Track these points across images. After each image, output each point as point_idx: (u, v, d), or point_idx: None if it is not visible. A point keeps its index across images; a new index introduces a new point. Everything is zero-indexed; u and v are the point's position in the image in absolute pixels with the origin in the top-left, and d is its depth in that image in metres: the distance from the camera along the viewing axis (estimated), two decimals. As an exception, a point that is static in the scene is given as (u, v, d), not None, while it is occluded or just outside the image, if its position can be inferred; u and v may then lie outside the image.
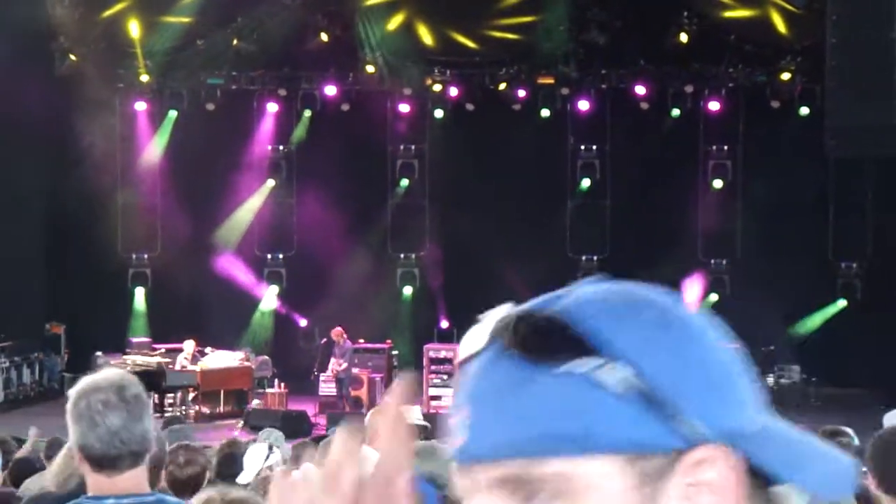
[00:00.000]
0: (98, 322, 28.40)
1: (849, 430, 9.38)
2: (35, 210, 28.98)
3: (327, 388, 25.46)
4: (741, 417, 1.20)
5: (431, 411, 24.15)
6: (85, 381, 3.90)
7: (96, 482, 3.77)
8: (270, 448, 8.41)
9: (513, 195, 29.13)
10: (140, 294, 30.76)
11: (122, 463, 3.73)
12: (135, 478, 3.79)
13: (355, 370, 25.52)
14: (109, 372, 3.97)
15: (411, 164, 30.99)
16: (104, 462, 3.74)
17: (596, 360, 1.16)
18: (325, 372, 25.53)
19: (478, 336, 1.29)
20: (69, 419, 3.85)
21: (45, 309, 28.82)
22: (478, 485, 1.15)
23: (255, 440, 10.51)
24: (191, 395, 24.88)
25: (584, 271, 30.45)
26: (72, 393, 3.85)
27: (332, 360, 25.45)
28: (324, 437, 13.79)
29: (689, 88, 29.23)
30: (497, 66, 29.59)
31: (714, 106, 29.52)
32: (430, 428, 14.71)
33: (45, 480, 6.08)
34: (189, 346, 25.42)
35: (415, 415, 12.50)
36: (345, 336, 25.28)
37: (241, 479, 8.01)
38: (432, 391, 25.42)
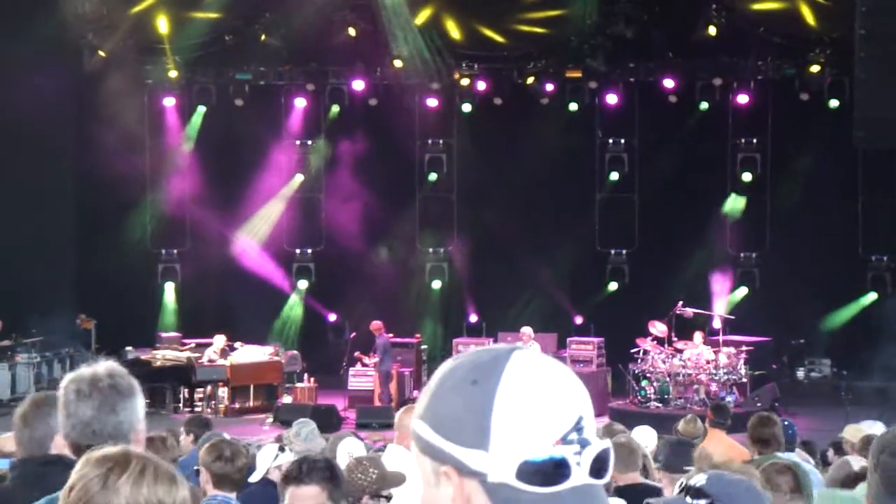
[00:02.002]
0: (128, 317, 28.50)
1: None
2: (65, 206, 29.11)
3: (357, 382, 25.49)
4: None
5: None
6: (73, 372, 3.92)
7: None
8: (282, 449, 8.48)
9: (541, 189, 29.10)
10: (170, 289, 30.84)
11: None
12: None
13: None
14: (99, 364, 3.98)
15: (439, 158, 30.98)
16: (78, 452, 3.67)
17: None
18: (354, 366, 25.57)
19: None
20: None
21: (75, 304, 28.91)
22: None
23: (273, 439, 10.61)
24: (221, 390, 24.95)
25: (612, 265, 30.45)
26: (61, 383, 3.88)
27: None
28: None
29: (717, 81, 29.11)
30: (525, 59, 29.55)
31: (743, 99, 29.39)
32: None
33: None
34: (219, 340, 25.47)
35: None
36: (383, 330, 25.28)
37: (252, 479, 8.08)
38: (461, 385, 25.38)
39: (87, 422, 3.80)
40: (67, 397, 3.85)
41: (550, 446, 1.79)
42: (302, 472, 5.42)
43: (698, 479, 2.92)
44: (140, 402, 3.98)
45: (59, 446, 4.20)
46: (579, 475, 1.81)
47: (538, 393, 1.82)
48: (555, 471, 1.79)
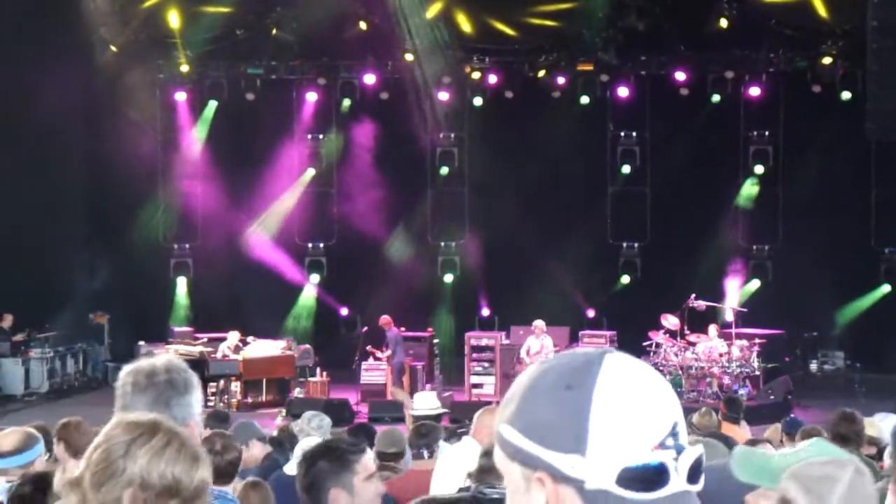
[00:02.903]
0: (141, 312, 28.57)
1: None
2: (77, 201, 29.16)
3: (369, 376, 25.49)
4: None
5: (473, 399, 24.23)
6: (130, 364, 3.91)
7: None
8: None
9: (552, 182, 29.09)
10: (182, 284, 30.89)
11: None
12: None
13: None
14: (158, 357, 3.98)
15: (451, 152, 30.97)
16: None
17: None
18: (366, 360, 25.57)
19: None
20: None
21: (88, 299, 28.98)
22: None
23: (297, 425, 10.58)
24: (234, 385, 24.96)
25: (624, 258, 30.43)
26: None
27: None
28: (363, 424, 13.86)
29: (729, 74, 29.08)
30: (536, 53, 29.53)
31: (755, 91, 29.34)
32: (448, 414, 14.75)
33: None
34: (233, 336, 25.45)
35: (430, 401, 12.56)
36: (392, 324, 25.28)
37: (287, 469, 8.02)
38: (473, 379, 25.44)
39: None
40: (124, 389, 3.84)
41: (650, 452, 1.79)
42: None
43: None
44: (196, 398, 3.97)
45: None
46: (677, 481, 1.80)
47: (635, 397, 1.81)
48: (655, 477, 1.78)
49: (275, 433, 11.03)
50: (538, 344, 24.49)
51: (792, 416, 11.16)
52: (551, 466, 1.80)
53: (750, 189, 29.81)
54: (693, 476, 1.82)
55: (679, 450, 1.81)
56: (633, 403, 1.80)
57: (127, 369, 3.89)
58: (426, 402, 12.22)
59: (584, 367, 1.84)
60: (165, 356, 4.01)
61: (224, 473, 6.76)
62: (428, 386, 24.75)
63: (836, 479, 3.17)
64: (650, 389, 1.84)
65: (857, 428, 8.71)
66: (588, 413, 1.79)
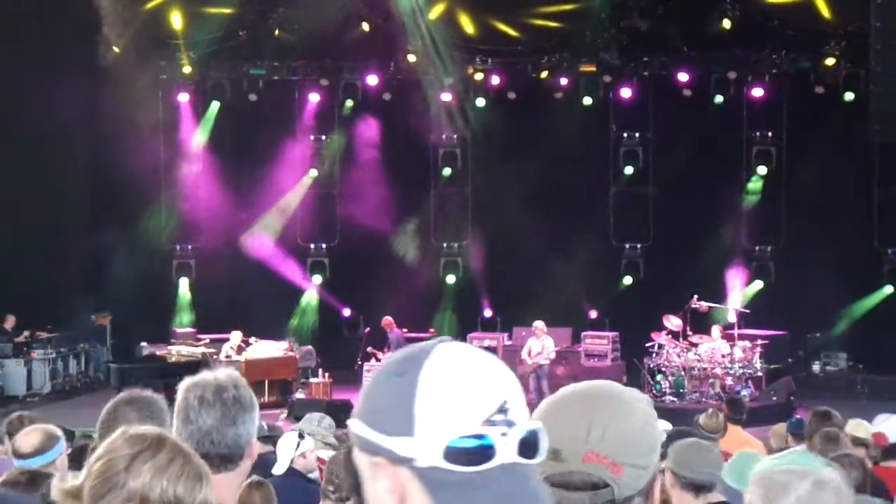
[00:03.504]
0: (143, 313, 28.56)
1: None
2: (80, 202, 29.16)
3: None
4: None
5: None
6: (194, 377, 3.85)
7: None
8: (301, 436, 8.33)
9: (555, 183, 29.06)
10: (184, 284, 30.90)
11: (209, 465, 3.41)
12: (221, 483, 3.62)
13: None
14: (221, 371, 3.92)
15: (453, 152, 30.97)
16: None
17: None
18: (368, 361, 25.57)
19: None
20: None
21: (90, 300, 28.98)
22: None
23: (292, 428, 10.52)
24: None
25: (627, 259, 30.42)
26: (180, 386, 3.83)
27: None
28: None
29: (732, 75, 29.07)
30: (539, 54, 29.53)
31: (757, 92, 29.33)
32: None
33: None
34: (236, 336, 25.50)
35: None
36: (394, 325, 25.28)
37: (275, 471, 7.98)
38: (476, 380, 25.39)
39: (208, 431, 3.75)
40: (188, 403, 3.79)
41: (475, 427, 1.84)
42: None
43: None
44: (256, 415, 3.94)
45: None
46: (507, 454, 1.85)
47: (460, 378, 1.88)
48: (480, 451, 1.83)
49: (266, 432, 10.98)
50: (539, 345, 24.51)
51: (798, 416, 11.13)
52: (387, 450, 1.88)
53: (755, 183, 29.80)
54: (526, 450, 1.87)
55: (510, 425, 1.85)
56: (457, 384, 1.87)
57: (190, 382, 3.82)
58: None
59: (415, 355, 1.93)
60: (226, 370, 3.97)
61: None
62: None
63: (792, 487, 3.22)
64: (476, 371, 1.90)
65: (831, 425, 8.73)
66: (414, 396, 1.87)
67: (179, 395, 3.81)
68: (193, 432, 3.72)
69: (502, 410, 1.86)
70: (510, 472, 1.86)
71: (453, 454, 1.83)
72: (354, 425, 1.95)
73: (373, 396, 1.95)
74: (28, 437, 6.51)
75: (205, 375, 3.84)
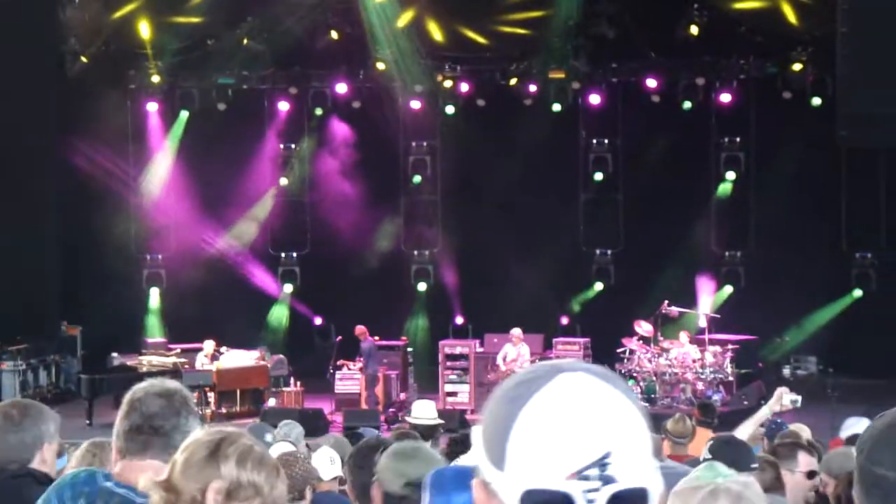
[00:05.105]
0: (114, 323, 28.43)
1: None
2: (49, 212, 28.99)
3: (343, 385, 25.48)
4: None
5: (447, 407, 24.23)
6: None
7: None
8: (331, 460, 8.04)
9: (525, 190, 29.10)
10: (155, 294, 30.81)
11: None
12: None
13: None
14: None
15: (423, 160, 30.97)
16: None
17: None
18: (340, 370, 25.55)
19: None
20: None
21: (60, 311, 28.85)
22: None
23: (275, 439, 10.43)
24: (209, 395, 24.91)
25: (597, 265, 30.48)
26: None
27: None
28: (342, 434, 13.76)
29: (700, 81, 29.15)
30: (507, 61, 29.57)
31: (725, 98, 29.42)
32: (445, 424, 14.67)
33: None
34: (209, 345, 25.46)
35: (429, 411, 12.45)
36: (367, 334, 25.27)
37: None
38: (448, 387, 25.46)
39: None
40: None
41: (561, 479, 1.72)
42: None
43: None
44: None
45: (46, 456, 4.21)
46: None
47: (562, 420, 1.74)
48: None
49: None
50: (515, 352, 24.55)
51: (779, 420, 11.16)
52: (482, 474, 1.80)
53: (725, 188, 29.92)
54: None
55: (606, 481, 1.72)
56: (556, 427, 1.74)
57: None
58: (425, 412, 12.06)
59: (531, 381, 1.80)
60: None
61: None
62: (402, 395, 24.77)
63: (689, 501, 3.27)
64: (587, 413, 1.75)
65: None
66: (510, 430, 1.76)
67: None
68: None
69: (601, 464, 1.72)
70: None
71: (528, 502, 1.73)
72: (475, 433, 1.86)
73: (489, 410, 1.84)
74: None
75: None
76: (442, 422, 12.75)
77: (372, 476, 4.81)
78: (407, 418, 13.10)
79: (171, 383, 3.90)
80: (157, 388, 3.81)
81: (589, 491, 1.71)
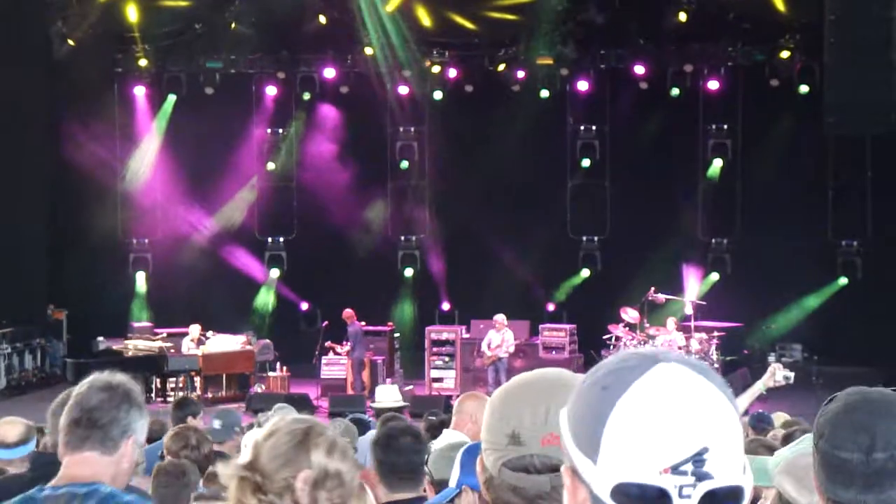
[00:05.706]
0: (99, 307, 28.41)
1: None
2: (35, 196, 28.92)
3: (329, 371, 25.48)
4: None
5: (433, 392, 24.25)
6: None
7: None
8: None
9: (512, 176, 29.09)
10: (141, 279, 30.76)
11: None
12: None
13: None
14: None
15: (411, 145, 30.95)
16: None
17: None
18: (326, 355, 25.55)
19: None
20: None
21: (46, 295, 28.81)
22: None
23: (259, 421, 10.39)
24: (193, 380, 24.90)
25: (584, 252, 30.51)
26: None
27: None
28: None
29: (688, 68, 29.18)
30: (496, 47, 29.58)
31: (713, 85, 29.46)
32: (409, 407, 14.70)
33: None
34: (194, 330, 25.46)
35: (392, 395, 12.50)
36: (354, 318, 25.27)
37: None
38: (434, 373, 25.48)
39: None
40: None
41: (656, 473, 1.68)
42: None
43: None
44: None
45: None
46: None
47: (660, 412, 1.71)
48: (652, 500, 1.68)
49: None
50: (499, 337, 24.57)
51: (760, 410, 11.17)
52: (573, 463, 1.77)
53: (712, 174, 29.94)
54: None
55: (701, 477, 1.69)
56: (653, 420, 1.70)
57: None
58: (388, 396, 12.17)
59: (627, 370, 1.76)
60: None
61: (202, 468, 6.74)
62: (388, 380, 24.78)
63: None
64: (684, 408, 1.71)
65: None
66: (606, 420, 1.72)
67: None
68: None
69: (697, 460, 1.68)
70: None
71: (622, 496, 1.69)
72: (562, 417, 1.82)
73: (578, 397, 1.80)
74: (12, 428, 6.63)
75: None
76: (406, 404, 12.80)
77: (399, 456, 5.17)
78: (371, 404, 13.18)
79: (118, 377, 3.93)
80: (101, 381, 3.88)
81: (684, 486, 1.68)
